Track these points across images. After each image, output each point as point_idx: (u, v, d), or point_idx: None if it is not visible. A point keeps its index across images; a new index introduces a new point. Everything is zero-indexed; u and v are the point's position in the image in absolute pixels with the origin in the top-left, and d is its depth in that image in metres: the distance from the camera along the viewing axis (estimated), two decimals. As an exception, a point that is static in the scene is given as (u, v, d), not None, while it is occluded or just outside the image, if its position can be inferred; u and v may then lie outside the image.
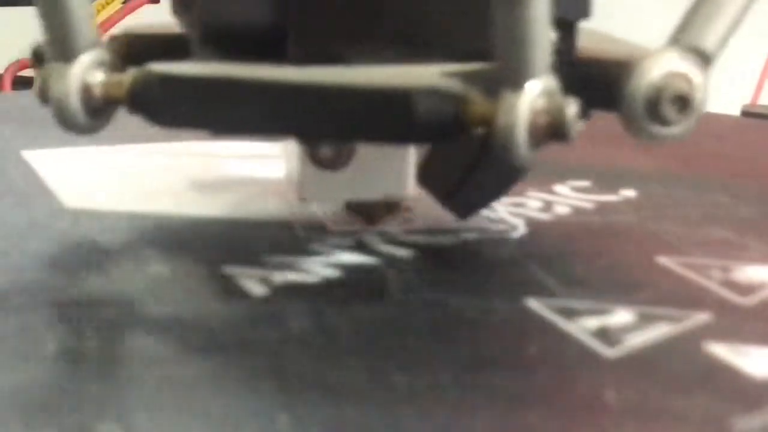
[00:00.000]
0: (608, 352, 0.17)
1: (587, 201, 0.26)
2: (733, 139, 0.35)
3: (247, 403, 0.16)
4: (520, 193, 0.26)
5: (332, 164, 0.22)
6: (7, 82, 0.58)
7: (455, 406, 0.16)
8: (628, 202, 0.26)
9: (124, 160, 0.29)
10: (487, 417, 0.15)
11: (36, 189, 0.26)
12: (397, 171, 0.22)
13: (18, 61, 0.63)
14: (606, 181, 0.27)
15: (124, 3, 0.54)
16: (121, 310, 0.19)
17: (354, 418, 0.15)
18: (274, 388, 0.16)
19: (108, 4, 0.54)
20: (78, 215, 0.24)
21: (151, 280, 0.20)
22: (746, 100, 0.65)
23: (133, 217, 0.24)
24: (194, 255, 0.22)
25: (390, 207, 0.23)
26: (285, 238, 0.23)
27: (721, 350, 0.17)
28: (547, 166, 0.28)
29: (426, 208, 0.24)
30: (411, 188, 0.23)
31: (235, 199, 0.26)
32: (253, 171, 0.28)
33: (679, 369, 0.17)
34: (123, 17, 0.54)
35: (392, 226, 0.23)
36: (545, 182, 0.27)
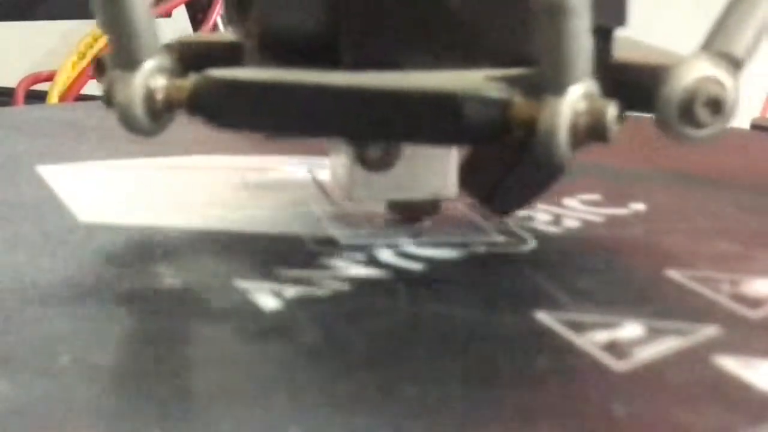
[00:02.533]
0: (617, 365, 0.17)
1: (596, 214, 0.26)
2: (742, 152, 0.35)
3: (258, 415, 0.16)
4: (530, 207, 0.26)
5: (379, 166, 0.23)
6: (20, 96, 0.58)
7: (465, 418, 0.16)
8: (637, 215, 0.26)
9: (137, 175, 0.29)
10: (496, 429, 0.16)
11: (50, 203, 0.26)
12: (440, 172, 0.23)
13: (31, 75, 0.63)
14: (615, 194, 0.28)
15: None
16: (134, 323, 0.19)
17: (364, 430, 0.15)
18: (285, 400, 0.16)
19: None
20: (91, 229, 0.24)
21: (163, 293, 0.20)
22: (755, 113, 0.65)
23: (146, 231, 0.24)
24: (206, 269, 0.22)
25: (433, 206, 0.24)
26: (296, 252, 0.23)
27: (730, 363, 0.18)
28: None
29: (436, 221, 0.24)
30: (454, 189, 0.23)
31: (248, 212, 0.26)
32: (265, 184, 0.28)
33: (688, 382, 0.17)
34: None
35: (403, 239, 0.23)
36: (554, 196, 0.27)
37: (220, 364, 0.18)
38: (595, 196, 0.27)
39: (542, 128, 0.19)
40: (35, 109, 0.51)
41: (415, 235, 0.24)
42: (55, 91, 0.59)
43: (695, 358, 0.18)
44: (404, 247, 0.23)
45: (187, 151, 0.30)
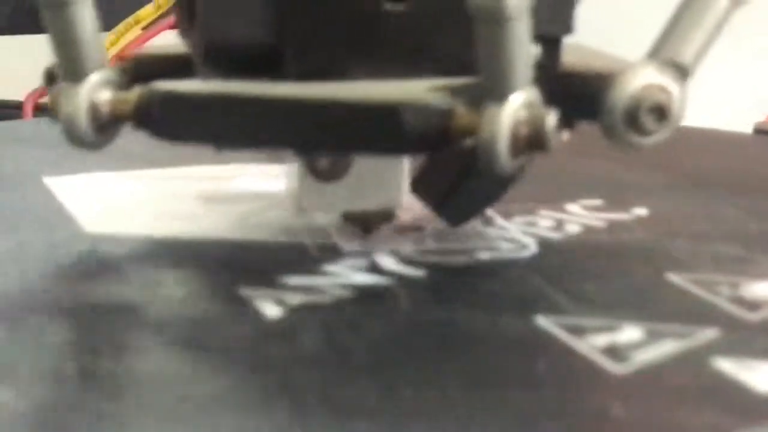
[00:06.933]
0: (617, 368, 0.18)
1: (598, 219, 0.26)
2: (745, 156, 0.35)
3: (260, 421, 0.16)
4: (532, 212, 0.26)
5: (329, 176, 0.23)
6: (28, 109, 0.58)
7: (465, 422, 0.16)
8: (639, 220, 0.26)
9: (143, 185, 0.29)
10: (496, 433, 0.16)
11: (56, 214, 0.26)
12: (391, 182, 0.23)
13: (39, 88, 0.63)
14: (617, 199, 0.28)
15: (143, 30, 0.55)
16: (138, 331, 0.19)
17: (365, 435, 0.15)
18: (286, 405, 0.16)
19: (127, 30, 0.55)
20: (97, 239, 0.24)
21: (167, 301, 0.21)
22: (759, 117, 0.65)
23: (150, 241, 0.24)
24: (210, 277, 0.22)
25: (385, 216, 0.24)
26: (299, 259, 0.23)
27: (729, 366, 0.18)
28: (559, 185, 0.29)
29: (439, 228, 0.25)
30: (405, 198, 0.23)
31: (251, 221, 0.26)
32: (270, 192, 0.28)
33: (687, 384, 0.17)
34: (142, 43, 0.55)
35: (405, 246, 0.24)
36: (556, 201, 0.27)
37: (223, 371, 0.18)
38: (597, 202, 0.27)
39: (482, 137, 0.19)
40: (43, 122, 0.51)
41: (417, 243, 0.24)
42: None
43: (694, 360, 0.18)
44: (406, 253, 0.23)
45: (195, 161, 0.30)
